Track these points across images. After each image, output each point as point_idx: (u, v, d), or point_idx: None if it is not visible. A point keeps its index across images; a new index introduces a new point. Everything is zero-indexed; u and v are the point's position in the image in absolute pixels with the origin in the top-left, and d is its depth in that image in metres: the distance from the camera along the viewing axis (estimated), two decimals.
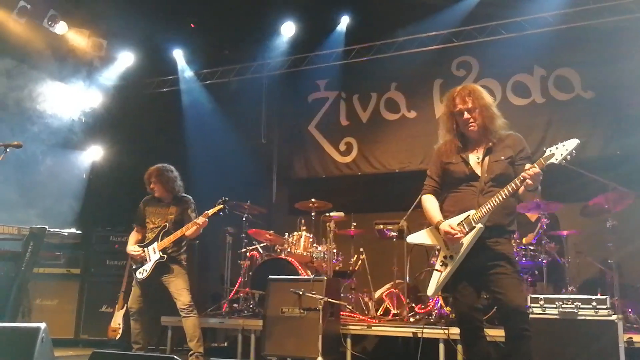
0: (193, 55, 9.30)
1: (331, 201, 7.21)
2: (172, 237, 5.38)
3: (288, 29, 8.62)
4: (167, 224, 5.49)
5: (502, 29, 7.64)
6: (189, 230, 5.34)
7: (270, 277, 5.79)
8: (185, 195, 5.72)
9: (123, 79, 8.93)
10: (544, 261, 5.92)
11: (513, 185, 3.34)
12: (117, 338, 6.55)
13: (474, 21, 7.77)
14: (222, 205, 5.39)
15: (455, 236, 3.44)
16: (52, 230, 5.37)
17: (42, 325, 3.18)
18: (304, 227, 7.13)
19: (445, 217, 3.59)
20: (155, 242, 5.45)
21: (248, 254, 7.33)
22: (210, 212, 5.37)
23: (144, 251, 5.48)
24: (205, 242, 7.55)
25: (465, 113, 3.54)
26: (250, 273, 6.97)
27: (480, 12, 7.70)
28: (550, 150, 3.27)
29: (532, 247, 6.09)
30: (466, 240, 3.44)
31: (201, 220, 5.30)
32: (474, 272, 3.50)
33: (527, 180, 3.26)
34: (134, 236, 5.74)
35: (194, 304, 5.39)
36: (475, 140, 3.63)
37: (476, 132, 3.58)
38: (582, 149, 3.22)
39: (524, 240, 6.25)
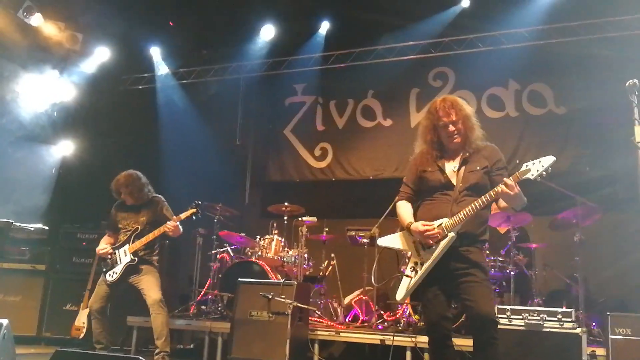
0: (170, 54, 9.23)
1: (304, 206, 7.20)
2: (144, 239, 5.33)
3: (267, 32, 8.60)
4: (139, 227, 5.43)
5: (479, 42, 7.74)
6: (161, 232, 5.29)
7: (239, 279, 5.75)
8: (156, 195, 5.66)
9: (98, 74, 8.78)
10: (512, 272, 6.00)
11: (488, 196, 3.37)
12: (80, 337, 6.40)
13: (452, 33, 7.86)
14: (194, 209, 5.36)
15: (432, 232, 3.44)
16: (18, 224, 5.26)
17: (4, 321, 3.12)
18: (276, 231, 7.11)
19: None
20: (127, 245, 5.38)
21: (218, 255, 7.28)
22: (183, 215, 5.33)
23: (114, 252, 5.40)
24: (176, 242, 7.45)
25: (450, 126, 3.57)
26: (220, 275, 6.92)
27: (459, 24, 7.81)
28: (527, 166, 3.31)
29: (500, 259, 6.17)
30: (438, 248, 3.46)
31: (171, 225, 5.26)
32: (444, 280, 3.51)
33: (506, 192, 3.27)
34: (105, 240, 5.67)
35: (164, 301, 5.33)
36: (454, 150, 3.66)
37: (458, 144, 3.61)
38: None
39: (492, 254, 6.31)
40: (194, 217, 5.37)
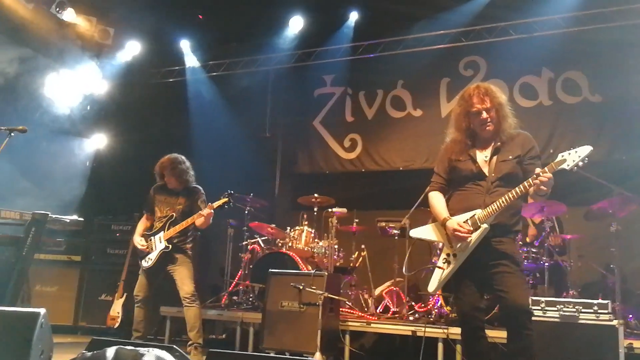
0: (200, 47, 9.29)
1: (334, 197, 7.20)
2: (178, 227, 5.37)
3: (296, 23, 8.59)
4: (175, 214, 5.47)
5: (511, 29, 7.61)
6: (194, 220, 5.33)
7: (270, 270, 5.77)
8: (196, 185, 5.68)
9: (129, 68, 8.90)
10: (546, 264, 5.90)
11: (522, 187, 3.31)
12: (115, 326, 6.54)
13: (483, 21, 7.74)
14: (227, 199, 5.37)
15: (463, 234, 3.42)
16: (54, 216, 5.36)
17: (42, 310, 3.16)
18: (306, 222, 7.12)
19: (451, 215, 3.56)
20: (162, 232, 5.44)
21: (249, 247, 7.33)
22: (215, 204, 5.35)
23: (149, 241, 5.48)
24: (207, 234, 7.52)
25: (484, 113, 3.51)
26: (251, 266, 6.96)
27: (490, 12, 7.67)
28: (562, 156, 3.23)
29: (534, 250, 6.07)
30: (471, 240, 3.42)
31: (206, 211, 5.28)
32: (477, 271, 3.48)
33: (541, 187, 3.22)
34: (142, 223, 5.73)
35: (197, 294, 5.38)
36: (486, 139, 3.61)
37: (490, 132, 3.56)
38: None
39: (527, 239, 6.23)
40: (226, 207, 5.39)
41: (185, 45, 9.25)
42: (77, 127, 8.18)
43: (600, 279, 6.49)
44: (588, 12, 7.15)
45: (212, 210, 5.31)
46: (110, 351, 1.72)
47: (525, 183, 3.31)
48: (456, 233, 3.44)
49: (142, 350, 1.75)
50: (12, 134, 4.80)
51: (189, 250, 5.54)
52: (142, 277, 5.50)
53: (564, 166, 3.21)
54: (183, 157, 5.66)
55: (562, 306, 4.67)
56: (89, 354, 1.75)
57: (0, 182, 5.44)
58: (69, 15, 7.82)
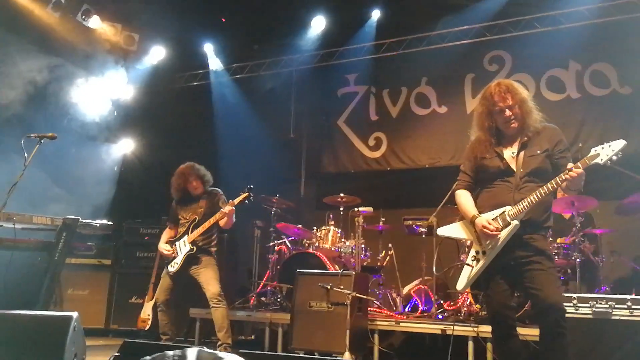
0: (223, 50, 9.36)
1: (360, 196, 7.18)
2: (201, 228, 5.43)
3: (318, 23, 8.59)
4: (197, 217, 5.53)
5: (536, 22, 7.51)
6: (217, 220, 5.38)
7: (298, 270, 5.78)
8: (214, 188, 5.78)
9: (154, 73, 9.02)
10: (578, 260, 5.79)
11: (554, 182, 3.27)
12: (146, 329, 6.62)
13: (507, 15, 7.65)
14: (247, 194, 5.41)
15: (492, 232, 3.38)
16: (84, 221, 5.45)
17: (75, 314, 3.21)
18: (332, 222, 7.12)
19: (480, 213, 3.53)
20: (186, 235, 5.50)
21: (276, 247, 7.35)
22: (236, 200, 5.39)
23: (174, 246, 5.53)
24: (234, 235, 7.59)
25: (507, 111, 3.47)
26: (278, 267, 6.98)
27: (514, 6, 7.59)
28: (595, 150, 3.17)
29: (565, 246, 5.97)
30: (501, 237, 3.38)
31: (227, 208, 5.33)
32: (507, 268, 3.43)
33: (571, 180, 3.18)
34: (166, 233, 5.82)
35: (223, 295, 5.42)
36: (511, 135, 3.56)
37: (515, 129, 3.51)
38: None
39: (557, 240, 6.12)
40: (246, 202, 5.42)
41: (208, 48, 9.32)
42: (105, 132, 8.31)
43: (633, 274, 6.35)
44: (614, 2, 7.02)
45: (234, 207, 5.34)
46: (192, 353, 1.74)
47: (557, 178, 3.26)
48: (485, 230, 3.40)
49: (220, 354, 1.78)
50: (42, 141, 4.88)
51: (214, 252, 5.59)
52: (164, 280, 5.56)
53: (597, 160, 3.16)
54: (195, 164, 5.76)
55: (594, 302, 4.58)
56: (171, 353, 1.76)
57: (32, 189, 5.52)
58: (95, 22, 7.97)
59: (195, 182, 5.65)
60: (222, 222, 5.42)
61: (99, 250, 7.44)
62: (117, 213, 7.69)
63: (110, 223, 5.80)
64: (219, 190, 5.76)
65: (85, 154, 8.00)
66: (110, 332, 7.30)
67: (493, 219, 3.42)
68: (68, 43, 7.66)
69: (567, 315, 4.50)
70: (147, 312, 6.73)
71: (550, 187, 3.28)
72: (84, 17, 7.82)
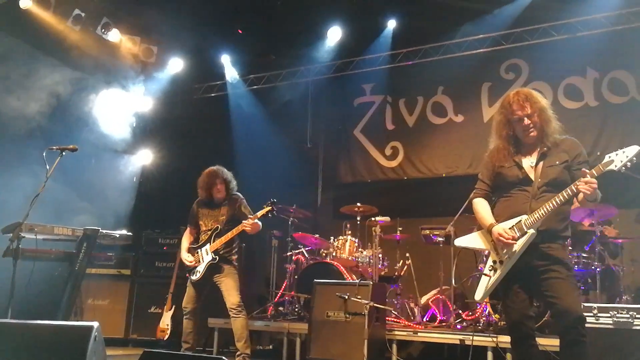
0: (240, 61, 9.44)
1: (377, 205, 7.18)
2: (224, 238, 5.44)
3: (334, 34, 8.63)
4: (219, 226, 5.55)
5: (553, 31, 7.48)
6: (239, 231, 5.42)
7: (315, 280, 5.79)
8: (235, 193, 5.76)
9: (172, 84, 9.12)
10: (598, 269, 5.74)
11: (569, 191, 3.25)
12: (165, 338, 6.65)
13: (523, 23, 7.64)
14: (270, 207, 5.43)
15: (507, 241, 3.37)
16: (104, 231, 5.51)
17: (95, 324, 3.26)
18: (349, 232, 7.12)
19: (497, 222, 3.51)
20: (208, 244, 5.52)
21: (294, 257, 7.36)
22: (259, 213, 5.41)
23: (196, 254, 5.56)
24: (252, 245, 7.62)
25: (525, 119, 3.46)
26: (296, 276, 7.00)
27: (530, 14, 7.57)
28: (610, 157, 3.17)
29: (585, 255, 5.92)
30: (517, 246, 3.37)
31: (249, 223, 5.35)
32: (526, 278, 3.41)
33: (584, 189, 3.16)
34: (186, 238, 5.80)
35: (243, 305, 5.43)
36: (530, 144, 3.55)
37: (534, 138, 3.50)
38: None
39: (577, 249, 6.06)
40: (270, 215, 5.44)
41: (226, 60, 9.41)
42: (124, 144, 8.41)
43: None
44: (632, 9, 6.98)
45: (257, 220, 5.38)
46: None
47: (572, 186, 3.25)
48: (500, 239, 3.40)
49: None
50: (64, 153, 4.95)
51: (235, 261, 5.61)
52: (190, 288, 5.58)
53: (612, 167, 3.15)
54: (221, 167, 5.77)
55: (615, 312, 4.53)
56: None
57: (54, 200, 5.62)
58: (114, 35, 8.09)
59: (220, 185, 5.64)
60: (248, 230, 5.45)
61: (118, 261, 7.48)
62: (137, 223, 7.77)
63: (130, 233, 5.87)
64: (239, 195, 5.75)
65: (105, 165, 8.10)
66: (130, 341, 7.35)
67: (509, 228, 3.41)
68: (88, 56, 7.78)
69: (587, 325, 4.48)
70: (166, 321, 6.77)
71: (566, 195, 3.27)
72: (103, 30, 7.95)
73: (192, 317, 5.50)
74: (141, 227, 7.85)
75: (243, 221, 5.41)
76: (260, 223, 5.48)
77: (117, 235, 5.68)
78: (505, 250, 3.43)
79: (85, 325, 3.26)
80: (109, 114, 8.16)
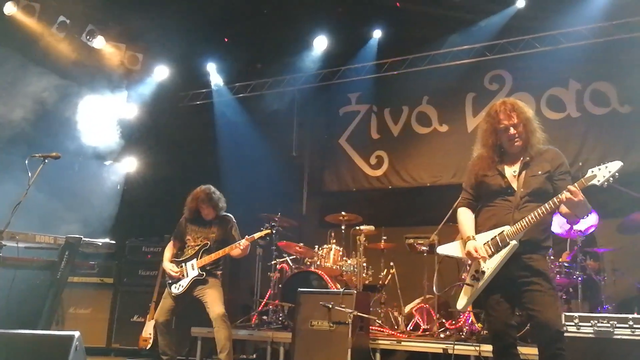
0: (226, 69, 9.43)
1: (361, 214, 7.19)
2: (214, 255, 5.42)
3: (320, 43, 8.67)
4: (209, 243, 5.52)
5: (536, 42, 7.58)
6: (230, 251, 5.39)
7: (299, 289, 5.78)
8: (227, 214, 5.74)
9: (157, 92, 9.08)
10: (579, 278, 5.79)
11: (552, 203, 3.29)
12: (147, 348, 6.60)
13: (507, 35, 7.73)
14: (269, 230, 5.45)
15: (476, 257, 3.43)
16: (87, 240, 5.46)
17: (76, 333, 3.23)
18: (334, 240, 7.13)
19: (479, 231, 3.55)
20: (195, 259, 5.47)
21: (278, 266, 7.34)
22: (257, 235, 5.41)
23: (181, 267, 5.52)
24: None
25: (511, 129, 3.51)
26: (280, 285, 6.98)
27: (514, 25, 7.67)
28: (592, 171, 3.21)
29: (567, 264, 5.97)
30: (500, 256, 3.40)
31: (244, 243, 5.34)
32: (507, 287, 3.44)
33: (571, 202, 3.21)
34: (169, 250, 5.76)
35: (227, 315, 5.40)
36: (514, 154, 3.59)
37: (519, 147, 3.54)
38: None
39: (559, 259, 6.12)
40: (267, 238, 5.43)
41: (211, 67, 9.40)
42: (108, 151, 8.35)
43: (636, 293, 6.34)
44: (613, 22, 7.09)
45: (249, 243, 5.37)
46: None
47: (555, 199, 3.28)
48: (471, 254, 3.46)
49: None
50: (47, 161, 4.91)
51: (219, 275, 5.59)
52: (165, 301, 5.50)
53: (595, 182, 3.19)
54: (213, 187, 5.74)
55: (596, 321, 4.58)
56: None
57: (37, 208, 5.56)
58: (99, 42, 8.06)
59: (207, 210, 5.63)
60: (234, 253, 5.42)
61: (101, 269, 7.41)
62: (120, 231, 7.70)
63: (113, 242, 5.80)
64: (231, 217, 5.73)
65: (88, 172, 8.03)
66: (112, 351, 7.27)
67: (491, 240, 3.44)
68: (73, 63, 7.74)
69: (569, 334, 4.54)
70: (148, 331, 6.71)
71: (549, 207, 3.30)
72: (88, 37, 7.91)
73: (166, 329, 5.42)
74: (125, 235, 7.79)
75: (239, 241, 5.38)
76: (248, 248, 5.46)
77: (100, 244, 5.62)
78: (487, 261, 3.45)
79: (66, 335, 3.24)
80: (93, 121, 8.10)
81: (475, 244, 3.47)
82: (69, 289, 6.75)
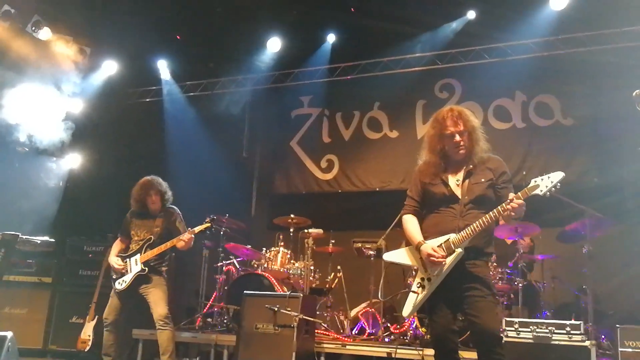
0: (177, 67, 9.27)
1: (310, 218, 7.19)
2: (156, 250, 5.32)
3: (274, 45, 8.62)
4: (152, 237, 5.42)
5: (485, 53, 7.75)
6: (174, 244, 5.29)
7: (245, 292, 5.73)
8: (171, 206, 5.66)
9: (105, 88, 8.84)
10: (520, 285, 5.94)
11: (496, 212, 3.34)
12: (86, 350, 6.40)
13: (458, 45, 7.87)
14: (209, 224, 5.37)
15: (437, 260, 3.43)
16: (24, 237, 5.26)
17: (9, 334, 3.12)
18: (282, 243, 7.10)
19: (426, 237, 3.57)
20: (139, 254, 5.38)
21: (224, 268, 7.26)
22: (197, 229, 5.32)
23: (125, 262, 5.40)
24: (182, 255, 7.41)
25: (457, 136, 3.54)
26: (226, 287, 6.91)
27: (465, 36, 7.82)
28: (535, 181, 3.27)
29: (508, 271, 6.12)
30: (446, 264, 3.43)
31: (186, 237, 5.25)
32: (450, 294, 3.48)
33: (511, 212, 3.26)
34: (117, 246, 5.67)
35: (170, 317, 5.30)
36: (458, 162, 3.63)
37: (463, 155, 3.58)
38: None
39: (501, 266, 6.25)
40: (207, 232, 5.38)
41: (162, 65, 9.22)
42: (51, 146, 8.07)
43: (574, 300, 6.55)
44: (560, 37, 7.32)
45: (193, 235, 5.28)
46: None
47: (499, 208, 3.33)
48: (431, 258, 3.45)
49: None
50: None
51: (164, 272, 5.48)
52: (113, 299, 5.41)
53: (537, 192, 3.26)
54: (159, 178, 5.65)
55: (535, 327, 4.72)
56: None
57: None
58: (45, 34, 7.77)
59: (154, 197, 5.53)
60: (179, 245, 5.32)
61: (39, 268, 7.15)
62: (61, 229, 7.46)
63: (52, 240, 5.62)
64: (176, 208, 5.65)
65: (28, 168, 7.74)
66: (48, 352, 7.01)
67: (438, 246, 3.47)
68: (16, 54, 7.46)
69: (508, 339, 4.66)
70: (87, 332, 6.51)
71: (493, 217, 3.35)
72: (34, 28, 7.62)
73: (114, 329, 5.33)
74: (66, 234, 7.54)
75: (181, 235, 5.30)
76: (192, 241, 5.38)
77: (39, 242, 5.41)
78: (433, 268, 3.48)
79: None
80: (36, 115, 7.82)
81: (431, 246, 3.48)
82: (4, 287, 6.52)
